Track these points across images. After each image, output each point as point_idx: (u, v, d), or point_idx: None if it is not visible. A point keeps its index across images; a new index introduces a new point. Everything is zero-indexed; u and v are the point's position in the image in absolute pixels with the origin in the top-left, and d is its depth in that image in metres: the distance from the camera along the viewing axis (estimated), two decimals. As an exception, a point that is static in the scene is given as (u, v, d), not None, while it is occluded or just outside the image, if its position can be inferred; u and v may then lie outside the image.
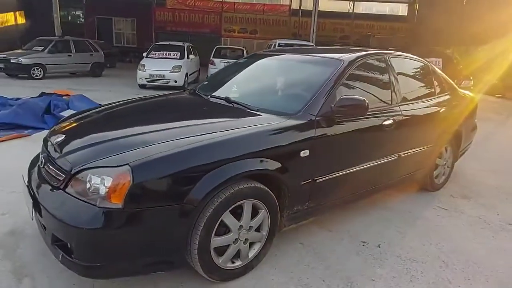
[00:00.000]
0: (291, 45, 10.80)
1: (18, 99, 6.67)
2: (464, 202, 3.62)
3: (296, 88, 2.81)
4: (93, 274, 1.85)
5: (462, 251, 2.68)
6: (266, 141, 2.14)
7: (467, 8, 15.92)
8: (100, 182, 1.78)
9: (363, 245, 2.68)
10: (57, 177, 1.97)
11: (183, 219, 1.86)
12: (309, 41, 13.56)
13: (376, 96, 2.94)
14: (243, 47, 14.77)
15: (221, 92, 2.93)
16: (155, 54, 11.26)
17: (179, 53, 11.24)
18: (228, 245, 2.09)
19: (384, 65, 3.07)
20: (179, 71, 10.48)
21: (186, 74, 10.86)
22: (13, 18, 22.89)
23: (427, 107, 3.36)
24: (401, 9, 24.23)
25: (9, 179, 3.36)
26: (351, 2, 23.04)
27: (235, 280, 2.18)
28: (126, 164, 1.77)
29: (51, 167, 2.07)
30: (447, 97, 3.70)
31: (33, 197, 2.05)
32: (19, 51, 12.57)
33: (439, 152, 3.65)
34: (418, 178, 3.61)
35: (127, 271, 1.87)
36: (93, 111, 2.81)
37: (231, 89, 3.06)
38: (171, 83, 10.34)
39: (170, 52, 11.23)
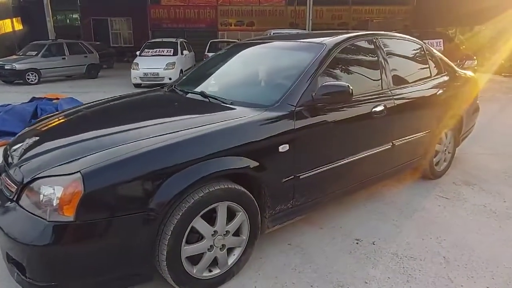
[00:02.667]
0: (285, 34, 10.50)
1: (8, 105, 6.55)
2: (468, 189, 3.39)
3: (275, 77, 2.59)
4: (49, 295, 1.68)
5: (465, 244, 2.47)
6: (239, 137, 1.94)
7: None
8: (53, 192, 1.61)
9: (357, 243, 2.48)
10: (10, 188, 1.80)
11: (147, 229, 1.68)
12: (305, 29, 13.24)
13: (364, 81, 2.72)
14: (238, 40, 14.49)
15: (198, 86, 2.74)
16: (148, 52, 11.07)
17: (172, 49, 11.03)
18: (203, 253, 1.91)
19: (372, 47, 2.84)
20: (173, 68, 10.27)
21: (181, 70, 10.65)
22: (10, 25, 22.86)
23: (422, 90, 3.12)
24: (400, -8, 23.62)
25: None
26: (348, -13, 22.53)
27: (214, 289, 2.00)
28: (77, 172, 1.59)
29: (6, 178, 1.90)
30: (445, 78, 3.46)
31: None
32: (13, 57, 12.47)
33: (439, 137, 3.42)
34: (417, 167, 3.39)
35: (87, 289, 1.70)
36: (59, 114, 2.63)
37: (210, 82, 2.86)
38: (166, 81, 10.13)
39: (163, 49, 11.02)
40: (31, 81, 11.68)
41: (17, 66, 11.49)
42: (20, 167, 1.83)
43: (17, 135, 2.47)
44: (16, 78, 11.61)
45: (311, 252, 2.37)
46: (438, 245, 2.47)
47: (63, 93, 8.40)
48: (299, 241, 2.49)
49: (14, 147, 2.11)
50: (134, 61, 10.64)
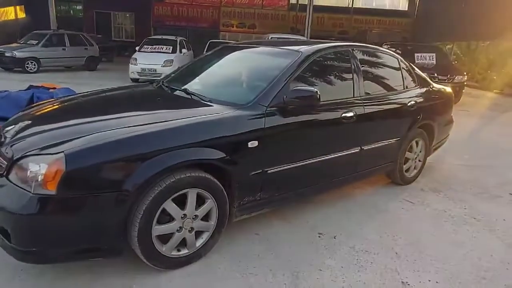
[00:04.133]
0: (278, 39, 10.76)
1: (4, 91, 6.72)
2: (433, 195, 3.62)
3: (252, 79, 2.80)
4: (29, 259, 1.87)
5: (418, 243, 2.69)
6: (210, 131, 2.15)
7: (468, 3, 15.74)
8: (38, 169, 1.81)
9: (319, 237, 2.70)
10: (1, 164, 2.00)
11: (121, 207, 1.88)
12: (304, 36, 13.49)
13: (336, 89, 2.94)
14: (238, 41, 14.72)
15: (183, 84, 2.94)
16: (148, 48, 11.26)
17: (171, 47, 11.24)
18: (172, 233, 2.11)
19: (347, 57, 3.06)
20: (170, 65, 10.45)
21: (178, 68, 10.84)
22: (13, 13, 22.98)
23: (393, 100, 3.35)
24: (402, 4, 23.99)
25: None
26: (350, -4, 22.84)
27: (181, 268, 2.20)
28: (61, 152, 1.79)
29: (-2, 155, 2.09)
30: (418, 90, 3.68)
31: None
32: (14, 44, 12.62)
33: (409, 145, 3.64)
34: (387, 172, 3.61)
35: (62, 256, 1.90)
36: (51, 101, 2.83)
37: (195, 81, 3.07)
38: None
39: (162, 46, 11.22)
40: (30, 69, 11.84)
41: (17, 54, 11.65)
42: (11, 146, 2.02)
43: (11, 118, 2.67)
44: (15, 65, 11.76)
45: (275, 242, 2.58)
46: (393, 242, 2.68)
47: (60, 83, 8.55)
48: (267, 232, 2.70)
49: (7, 129, 2.30)
50: (133, 56, 10.83)
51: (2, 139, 2.16)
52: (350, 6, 22.58)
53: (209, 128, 2.15)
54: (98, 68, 13.95)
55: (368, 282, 2.22)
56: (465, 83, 10.36)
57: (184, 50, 11.84)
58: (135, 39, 23.07)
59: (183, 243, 2.19)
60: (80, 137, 1.90)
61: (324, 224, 2.88)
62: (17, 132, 2.19)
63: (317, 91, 2.41)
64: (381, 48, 3.56)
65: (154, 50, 11.12)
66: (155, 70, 10.39)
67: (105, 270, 2.13)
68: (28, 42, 12.50)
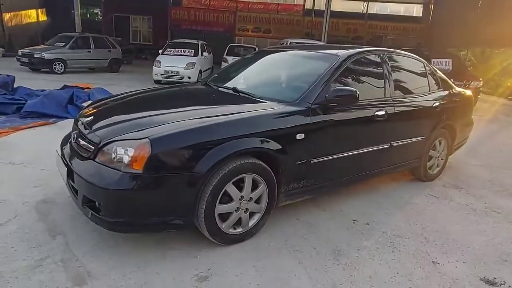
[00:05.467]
0: (302, 44, 11.09)
1: (43, 90, 7.16)
2: (455, 191, 3.87)
3: (296, 80, 3.12)
4: (117, 228, 2.20)
5: (444, 231, 2.95)
6: (267, 123, 2.46)
7: (482, 10, 15.88)
8: (124, 152, 2.13)
9: (353, 223, 2.98)
10: (88, 149, 2.33)
11: (192, 186, 2.20)
12: (321, 40, 13.80)
13: (370, 89, 3.23)
14: (256, 46, 15.10)
15: (229, 83, 3.27)
16: (171, 51, 11.68)
17: (193, 50, 11.64)
18: (231, 213, 2.42)
19: (379, 61, 3.36)
20: (192, 68, 10.87)
21: (200, 71, 11.25)
22: (35, 15, 23.78)
23: (419, 101, 3.63)
24: (416, 10, 24.17)
25: (39, 159, 3.79)
26: (365, 2, 23.11)
27: (237, 244, 2.51)
28: (146, 138, 2.11)
29: (82, 141, 2.43)
30: (442, 93, 3.95)
31: (67, 166, 2.42)
32: (41, 46, 13.18)
33: (433, 144, 3.90)
34: (412, 168, 3.87)
35: (144, 227, 2.22)
36: (116, 97, 3.18)
37: (239, 81, 3.39)
38: (185, 79, 10.73)
39: (184, 50, 11.63)
40: (57, 70, 12.36)
41: (46, 55, 12.18)
42: (95, 132, 2.36)
43: (84, 109, 3.01)
44: (44, 66, 12.29)
45: (315, 226, 2.87)
46: (422, 229, 2.95)
47: (90, 84, 8.99)
48: (306, 218, 2.99)
49: (85, 120, 2.63)
50: (157, 59, 11.25)
51: (85, 128, 2.50)
52: (365, 11, 22.84)
53: (267, 121, 2.46)
54: (120, 70, 14.44)
55: (402, 260, 2.49)
56: (481, 88, 10.52)
57: (205, 53, 12.23)
58: (152, 42, 23.70)
59: (238, 222, 2.49)
60: (160, 125, 2.22)
61: (356, 212, 3.16)
62: (96, 122, 2.52)
63: (356, 91, 2.71)
64: (408, 53, 3.84)
65: (176, 53, 11.54)
66: (178, 72, 10.80)
67: (174, 246, 2.45)
68: (55, 44, 13.02)
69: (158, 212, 2.19)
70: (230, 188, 2.36)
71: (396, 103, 3.32)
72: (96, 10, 26.99)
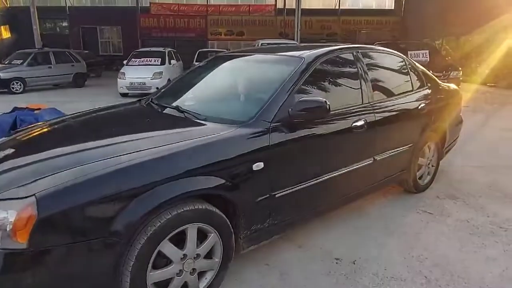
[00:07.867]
0: (271, 45, 10.54)
1: (-10, 115, 6.38)
2: (451, 203, 3.35)
3: (251, 92, 2.53)
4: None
5: (447, 263, 2.41)
6: (208, 155, 1.86)
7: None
8: (6, 216, 1.50)
9: (336, 263, 2.40)
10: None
11: (108, 255, 1.58)
12: (294, 39, 13.31)
13: (344, 95, 2.68)
14: (228, 49, 14.49)
15: (175, 100, 2.66)
16: (135, 61, 10.98)
17: (160, 59, 10.97)
18: (171, 278, 1.81)
19: (352, 60, 2.80)
20: (160, 77, 10.19)
21: (169, 79, 10.56)
22: (-1, 33, 22.63)
23: (403, 103, 3.09)
24: (388, 3, 24.05)
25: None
26: (337, -2, 22.83)
27: (184, 316, 1.90)
28: (32, 195, 1.49)
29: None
30: (427, 91, 3.44)
31: None
32: (-2, 65, 12.28)
33: (421, 151, 3.38)
34: (399, 180, 3.34)
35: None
36: (34, 126, 2.53)
37: (187, 97, 2.78)
38: (153, 90, 10.04)
39: (150, 59, 10.95)
40: (16, 90, 11.50)
41: (2, 75, 11.31)
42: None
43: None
44: (0, 87, 11.40)
45: (289, 273, 2.28)
46: (420, 264, 2.40)
47: (48, 103, 8.20)
48: (277, 261, 2.40)
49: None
50: (121, 71, 10.54)
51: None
52: (337, 8, 22.56)
53: (207, 152, 1.86)
54: (86, 84, 13.63)
55: (400, 317, 1.93)
56: (461, 78, 10.21)
57: (173, 61, 11.57)
58: (123, 53, 22.81)
59: (184, 287, 1.88)
60: (56, 173, 1.60)
61: (340, 246, 2.59)
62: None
63: (325, 101, 2.14)
64: (385, 49, 3.31)
65: (142, 63, 10.84)
66: (144, 83, 10.11)
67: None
68: (12, 62, 12.15)
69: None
70: (166, 247, 1.75)
71: (376, 109, 2.77)
72: (65, 24, 25.87)
